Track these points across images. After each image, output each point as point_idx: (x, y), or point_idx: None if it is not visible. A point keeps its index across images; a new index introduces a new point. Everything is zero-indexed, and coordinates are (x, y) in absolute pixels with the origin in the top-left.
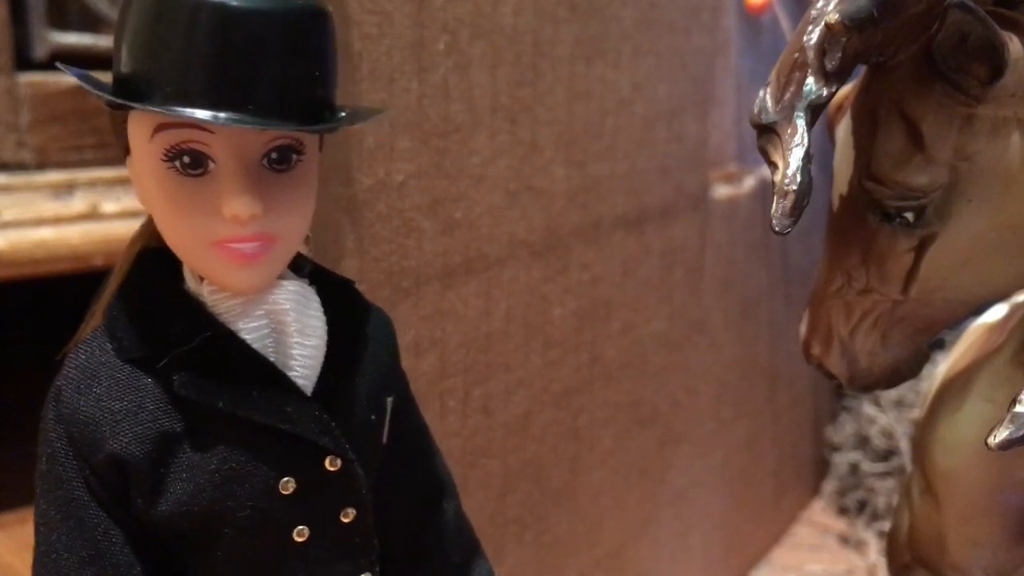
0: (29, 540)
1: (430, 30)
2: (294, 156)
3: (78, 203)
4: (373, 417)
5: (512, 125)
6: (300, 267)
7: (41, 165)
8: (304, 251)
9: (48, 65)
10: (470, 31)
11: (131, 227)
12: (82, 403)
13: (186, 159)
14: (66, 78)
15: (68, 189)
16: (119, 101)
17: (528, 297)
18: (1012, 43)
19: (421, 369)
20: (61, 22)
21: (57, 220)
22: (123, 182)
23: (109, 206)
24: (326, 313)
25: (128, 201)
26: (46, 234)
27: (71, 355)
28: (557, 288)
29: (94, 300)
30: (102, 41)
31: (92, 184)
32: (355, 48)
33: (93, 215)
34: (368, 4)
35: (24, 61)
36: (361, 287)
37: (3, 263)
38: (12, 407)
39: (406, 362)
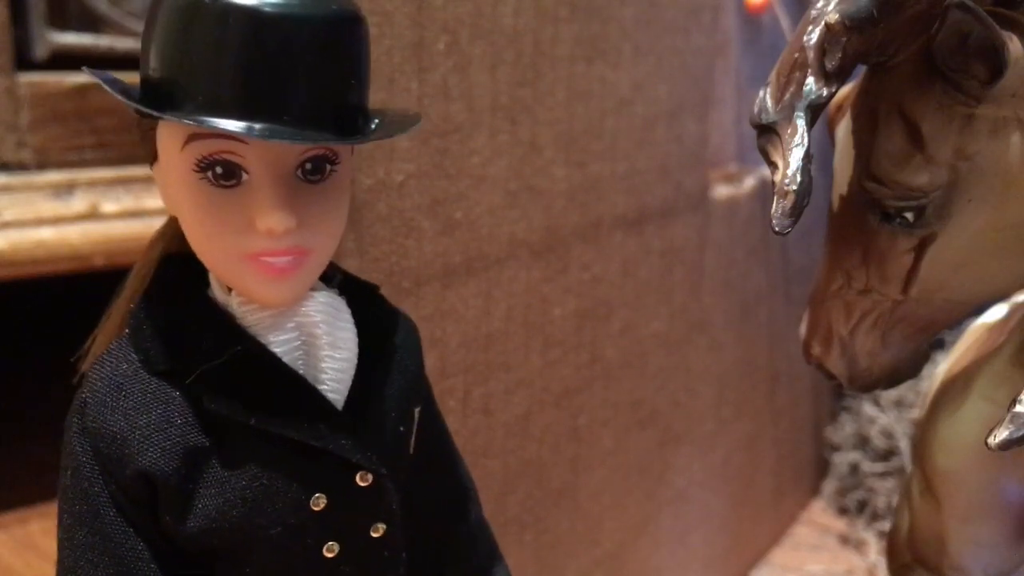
0: (29, 540)
1: (430, 30)
2: (328, 166)
3: (78, 203)
4: (402, 429)
5: (512, 125)
6: (330, 277)
7: (41, 165)
8: None
9: (48, 65)
10: (470, 31)
11: (131, 227)
12: (109, 417)
13: (219, 170)
14: (66, 78)
15: (68, 189)
16: (150, 112)
17: (528, 297)
18: (1012, 43)
19: None
20: (61, 22)
21: (57, 220)
22: (123, 182)
23: (109, 206)
24: (355, 323)
25: (128, 201)
26: (46, 234)
27: (95, 366)
28: (557, 288)
29: (111, 303)
30: (102, 41)
31: (92, 184)
32: None
33: (93, 215)
34: (368, 4)
35: (24, 61)
36: None
37: (3, 263)
38: (12, 407)
39: None
